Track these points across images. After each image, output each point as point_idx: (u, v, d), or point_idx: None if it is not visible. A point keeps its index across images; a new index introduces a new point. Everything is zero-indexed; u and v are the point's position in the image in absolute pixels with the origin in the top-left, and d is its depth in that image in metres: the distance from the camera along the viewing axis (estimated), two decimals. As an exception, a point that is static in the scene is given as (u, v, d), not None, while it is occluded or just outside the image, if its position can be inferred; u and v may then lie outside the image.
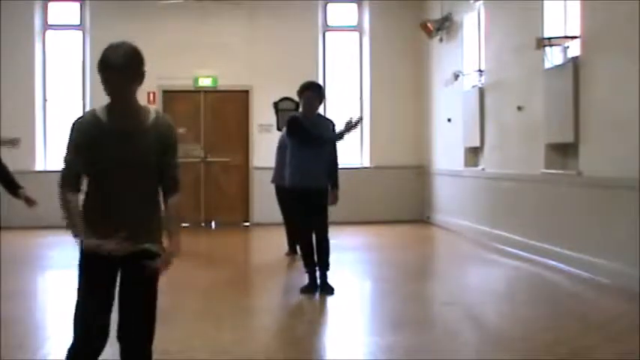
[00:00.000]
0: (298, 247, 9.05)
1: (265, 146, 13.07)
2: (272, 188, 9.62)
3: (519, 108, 9.66)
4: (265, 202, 12.44)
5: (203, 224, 13.56)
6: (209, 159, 13.64)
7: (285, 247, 9.58)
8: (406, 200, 13.85)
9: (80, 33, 13.57)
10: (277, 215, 9.75)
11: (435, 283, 8.40)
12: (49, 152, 13.19)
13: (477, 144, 11.20)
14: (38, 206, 6.00)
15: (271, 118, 13.66)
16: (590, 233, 7.88)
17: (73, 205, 3.25)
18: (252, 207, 13.60)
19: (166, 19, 13.08)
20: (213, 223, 13.60)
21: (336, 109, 13.18)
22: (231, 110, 13.79)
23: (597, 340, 5.37)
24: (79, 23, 13.64)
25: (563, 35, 8.51)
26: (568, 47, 8.53)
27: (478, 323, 6.21)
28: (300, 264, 7.71)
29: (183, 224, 13.05)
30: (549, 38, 8.62)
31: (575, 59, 8.24)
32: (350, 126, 6.99)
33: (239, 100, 13.77)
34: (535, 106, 9.20)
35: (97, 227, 3.25)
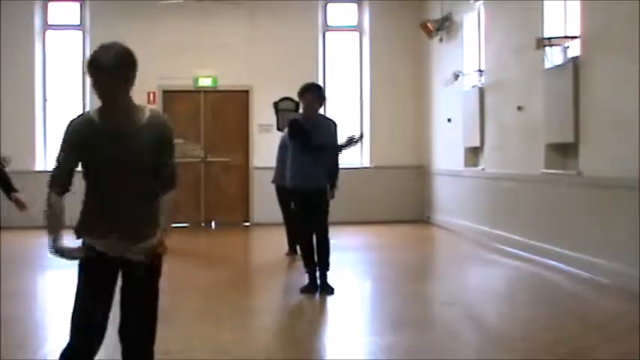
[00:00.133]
0: (298, 248, 9.07)
1: (265, 146, 13.08)
2: (272, 188, 9.62)
3: (519, 108, 9.66)
4: (265, 202, 12.44)
5: (203, 224, 13.56)
6: (209, 159, 13.64)
7: (285, 247, 9.58)
8: (406, 200, 13.85)
9: (80, 33, 13.57)
10: (277, 215, 9.75)
11: (435, 283, 8.40)
12: (49, 152, 13.20)
13: (477, 144, 11.20)
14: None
15: (271, 118, 13.66)
16: (590, 233, 7.88)
17: (54, 208, 3.26)
18: (252, 207, 13.61)
19: (166, 19, 13.07)
20: (213, 223, 13.60)
21: (336, 109, 13.18)
22: (231, 110, 13.79)
23: (597, 340, 5.37)
24: (79, 23, 13.64)
25: (563, 35, 8.51)
26: (568, 47, 8.53)
27: (478, 323, 6.21)
28: (300, 264, 7.72)
29: (185, 224, 13.09)
30: (549, 38, 8.62)
31: (575, 59, 8.24)
32: (351, 142, 7.22)
33: (239, 100, 13.77)
34: (535, 106, 9.20)
35: (95, 227, 3.26)
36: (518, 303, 6.98)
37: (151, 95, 13.13)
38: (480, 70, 11.15)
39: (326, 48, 14.10)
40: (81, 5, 13.65)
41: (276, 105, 13.65)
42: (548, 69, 8.78)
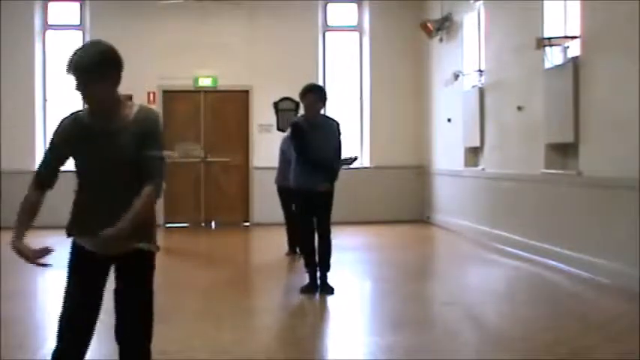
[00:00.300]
0: (298, 248, 9.06)
1: (265, 146, 13.10)
2: (272, 188, 9.63)
3: (519, 108, 9.65)
4: (265, 202, 12.45)
5: (203, 224, 13.56)
6: (209, 159, 13.63)
7: (286, 247, 9.59)
8: (406, 200, 13.85)
9: (80, 33, 13.56)
10: (277, 215, 9.75)
11: (435, 283, 8.40)
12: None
13: (477, 144, 11.20)
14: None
15: (271, 118, 13.66)
16: (590, 233, 7.88)
17: (28, 202, 3.26)
18: (252, 207, 13.61)
19: (166, 19, 13.07)
20: (213, 223, 13.60)
21: (336, 109, 13.17)
22: (231, 110, 13.79)
23: (597, 340, 5.37)
24: (79, 23, 13.64)
25: (563, 35, 8.51)
26: (568, 47, 8.53)
27: (478, 323, 6.21)
28: (300, 264, 7.72)
29: (185, 224, 13.08)
30: (549, 38, 8.61)
31: (575, 59, 8.24)
32: (344, 162, 7.54)
33: (239, 100, 13.77)
34: (535, 106, 9.20)
35: (83, 226, 3.24)
36: (518, 303, 6.98)
37: (151, 95, 13.12)
38: (479, 70, 11.15)
39: (326, 48, 14.10)
40: (81, 5, 13.65)
41: (276, 105, 13.65)
42: (548, 69, 8.78)
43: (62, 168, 3.32)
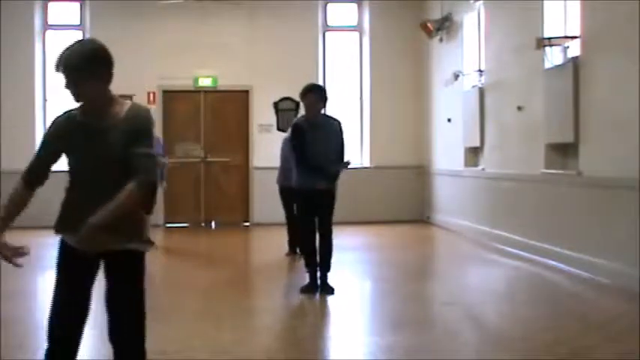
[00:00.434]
0: (299, 248, 9.06)
1: (265, 146, 13.11)
2: (273, 188, 9.63)
3: (519, 108, 9.65)
4: (265, 202, 12.46)
5: (203, 224, 13.56)
6: (209, 159, 13.63)
7: (286, 248, 9.58)
8: (406, 200, 13.85)
9: (80, 33, 13.54)
10: (277, 215, 9.75)
11: (435, 283, 8.40)
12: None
13: (477, 144, 11.20)
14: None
15: (271, 118, 13.66)
16: (590, 233, 7.88)
17: (13, 194, 3.27)
18: (252, 207, 13.60)
19: (166, 19, 13.07)
20: (213, 223, 13.60)
21: (336, 109, 13.16)
22: (231, 110, 13.79)
23: (597, 340, 5.37)
24: (79, 23, 13.64)
25: (563, 35, 8.51)
26: (568, 47, 8.53)
27: (478, 323, 6.21)
28: (300, 264, 7.72)
29: (185, 224, 13.08)
30: (549, 38, 8.61)
31: (575, 59, 8.23)
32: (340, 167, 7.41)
33: (239, 100, 13.77)
34: (535, 106, 9.20)
35: (70, 223, 3.21)
36: (518, 303, 6.98)
37: (151, 95, 13.12)
38: (479, 70, 11.15)
39: (326, 48, 14.10)
40: (81, 5, 13.65)
41: (276, 105, 13.65)
42: (548, 69, 8.78)
43: (54, 168, 3.31)
